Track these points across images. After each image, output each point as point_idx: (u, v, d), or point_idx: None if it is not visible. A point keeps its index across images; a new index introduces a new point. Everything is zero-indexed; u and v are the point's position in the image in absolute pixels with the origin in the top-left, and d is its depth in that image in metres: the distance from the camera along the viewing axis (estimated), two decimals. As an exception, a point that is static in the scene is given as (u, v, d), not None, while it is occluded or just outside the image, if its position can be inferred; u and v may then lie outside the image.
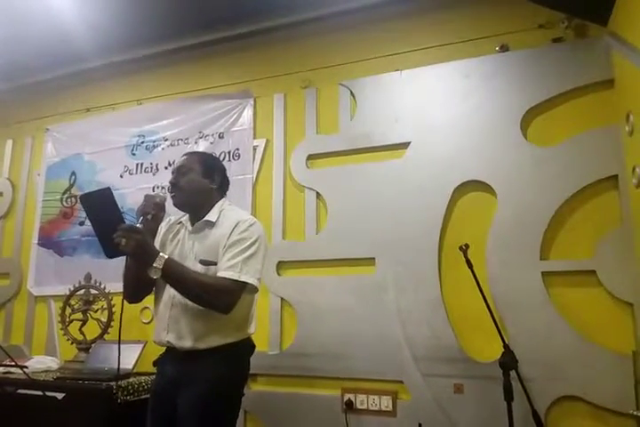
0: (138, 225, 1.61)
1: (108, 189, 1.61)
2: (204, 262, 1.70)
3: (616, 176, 2.18)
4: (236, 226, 1.72)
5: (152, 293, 1.84)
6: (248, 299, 1.74)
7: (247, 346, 1.81)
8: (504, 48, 2.50)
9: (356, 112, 2.73)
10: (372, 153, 2.65)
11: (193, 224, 1.81)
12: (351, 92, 2.76)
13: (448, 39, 2.61)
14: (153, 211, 1.70)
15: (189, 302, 1.66)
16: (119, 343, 1.70)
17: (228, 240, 1.70)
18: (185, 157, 1.87)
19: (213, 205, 1.81)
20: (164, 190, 3.01)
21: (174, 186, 1.80)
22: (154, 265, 1.54)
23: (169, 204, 1.81)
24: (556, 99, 2.36)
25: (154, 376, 1.88)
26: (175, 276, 1.61)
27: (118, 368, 1.95)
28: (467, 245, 2.08)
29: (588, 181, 2.22)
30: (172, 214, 1.90)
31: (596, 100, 2.30)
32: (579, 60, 2.34)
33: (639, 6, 1.86)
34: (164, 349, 1.80)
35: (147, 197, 1.74)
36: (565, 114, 2.35)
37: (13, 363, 2.27)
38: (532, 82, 2.40)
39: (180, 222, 1.87)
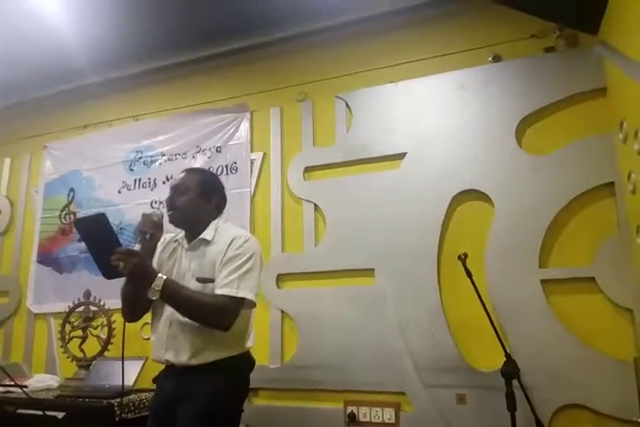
0: (137, 245, 1.62)
1: (103, 214, 1.62)
2: (200, 280, 1.71)
3: (612, 183, 2.20)
4: (231, 242, 1.73)
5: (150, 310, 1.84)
6: (246, 313, 1.74)
7: (246, 360, 1.79)
8: (497, 58, 2.53)
9: (352, 124, 2.75)
10: (369, 164, 2.66)
11: (189, 242, 1.81)
12: (347, 105, 2.78)
13: (441, 50, 2.64)
14: (151, 230, 1.69)
15: (187, 319, 1.66)
16: (122, 360, 1.72)
17: (223, 257, 1.70)
18: (183, 175, 1.86)
19: (209, 224, 1.81)
20: (161, 205, 3.02)
21: (171, 204, 1.80)
22: (152, 286, 1.56)
23: (165, 220, 1.80)
24: (550, 107, 2.38)
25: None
26: (174, 296, 1.61)
27: (122, 385, 1.94)
28: (465, 255, 2.08)
29: (584, 188, 2.24)
30: (169, 230, 1.89)
31: (589, 109, 2.32)
32: (571, 68, 2.37)
33: (628, 15, 1.89)
34: (164, 365, 1.80)
35: (144, 215, 1.72)
36: (559, 122, 2.36)
37: (13, 383, 2.25)
38: (525, 91, 2.42)
39: (177, 241, 1.87)
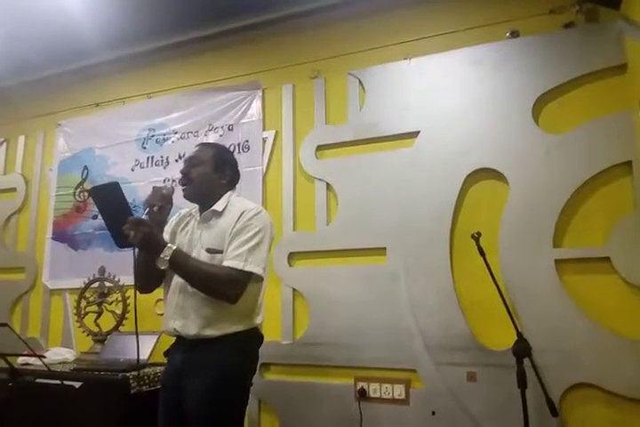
0: (143, 216, 1.65)
1: (116, 183, 1.67)
2: (209, 251, 1.74)
3: (630, 162, 2.16)
4: (241, 215, 1.75)
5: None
6: (254, 288, 1.75)
7: (254, 336, 1.81)
8: (514, 34, 2.47)
9: (365, 101, 2.72)
10: (382, 142, 2.64)
11: (201, 214, 1.84)
12: (360, 82, 2.74)
13: (457, 26, 2.58)
14: (159, 202, 1.72)
15: (196, 291, 1.69)
16: (137, 334, 1.74)
17: (233, 229, 1.73)
18: (198, 149, 1.90)
19: (221, 197, 1.84)
20: (174, 183, 3.02)
21: (185, 176, 1.83)
22: (161, 256, 1.59)
23: (177, 195, 1.83)
24: (568, 85, 2.33)
25: (166, 367, 1.90)
26: (182, 266, 1.65)
27: (138, 358, 1.99)
28: (479, 234, 2.06)
29: (601, 168, 2.20)
30: (182, 204, 1.92)
31: (608, 86, 2.27)
32: (590, 45, 2.31)
33: (652, -12, 1.84)
34: (174, 339, 1.82)
35: (154, 188, 1.77)
36: (577, 100, 2.32)
37: (32, 353, 2.31)
38: (543, 68, 2.37)
39: (191, 214, 1.90)
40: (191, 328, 1.70)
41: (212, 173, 1.84)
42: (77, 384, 2.29)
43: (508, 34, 2.47)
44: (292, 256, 2.72)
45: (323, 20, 2.88)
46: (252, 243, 1.70)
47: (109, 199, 1.65)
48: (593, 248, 2.18)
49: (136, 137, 3.32)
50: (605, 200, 2.20)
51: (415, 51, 2.64)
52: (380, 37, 2.74)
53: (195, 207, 1.90)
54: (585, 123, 2.26)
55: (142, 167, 3.27)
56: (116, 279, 2.93)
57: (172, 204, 1.78)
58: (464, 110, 2.48)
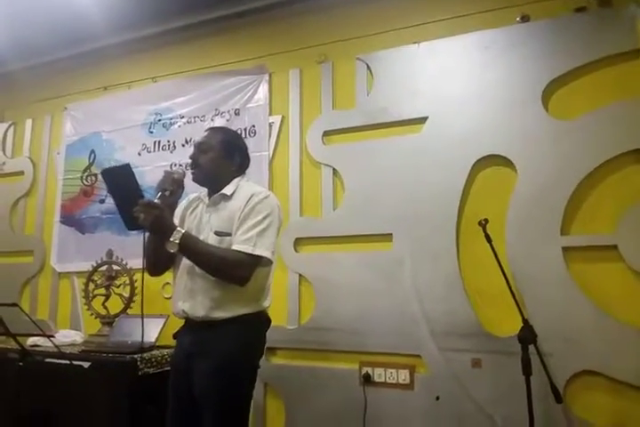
0: (155, 200, 1.66)
1: (128, 165, 1.68)
2: (218, 234, 1.75)
3: (639, 150, 2.13)
4: (249, 199, 1.76)
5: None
6: (263, 271, 1.77)
7: (262, 319, 1.83)
8: (525, 18, 2.43)
9: (373, 87, 2.69)
10: (390, 128, 2.62)
11: (210, 198, 1.85)
12: (368, 67, 2.71)
13: (467, 10, 2.54)
14: (171, 187, 1.75)
15: (205, 273, 1.70)
16: (142, 317, 1.78)
17: (242, 213, 1.74)
18: (207, 134, 1.91)
19: (231, 181, 1.85)
20: (181, 167, 3.03)
21: (194, 162, 1.84)
22: (171, 239, 1.61)
23: (188, 179, 1.85)
24: (579, 70, 2.29)
25: (175, 349, 1.93)
26: (191, 249, 1.67)
27: (142, 341, 2.00)
28: (486, 220, 2.05)
29: (610, 155, 2.18)
30: (192, 189, 1.93)
31: (620, 72, 2.23)
32: (602, 30, 2.27)
33: (668, -29, 1.80)
34: (183, 321, 1.84)
35: (166, 173, 1.79)
36: (588, 86, 2.28)
37: (41, 333, 2.35)
38: (553, 53, 2.33)
39: (200, 198, 1.91)
40: (199, 310, 1.72)
41: (221, 159, 1.85)
42: (86, 364, 2.33)
43: (518, 18, 2.44)
44: (298, 242, 2.72)
45: (330, 3, 2.84)
46: (261, 227, 1.71)
47: (120, 181, 1.66)
48: (601, 236, 2.16)
49: (143, 121, 3.31)
50: (614, 188, 2.18)
51: (424, 35, 2.61)
52: (389, 21, 2.71)
53: (203, 191, 1.91)
54: (595, 109, 2.23)
55: (149, 152, 3.26)
56: (124, 263, 2.95)
57: (183, 188, 1.81)
58: (473, 96, 2.46)
